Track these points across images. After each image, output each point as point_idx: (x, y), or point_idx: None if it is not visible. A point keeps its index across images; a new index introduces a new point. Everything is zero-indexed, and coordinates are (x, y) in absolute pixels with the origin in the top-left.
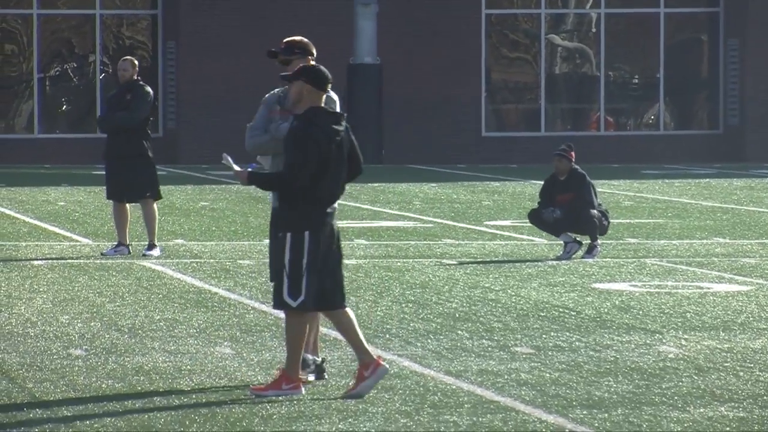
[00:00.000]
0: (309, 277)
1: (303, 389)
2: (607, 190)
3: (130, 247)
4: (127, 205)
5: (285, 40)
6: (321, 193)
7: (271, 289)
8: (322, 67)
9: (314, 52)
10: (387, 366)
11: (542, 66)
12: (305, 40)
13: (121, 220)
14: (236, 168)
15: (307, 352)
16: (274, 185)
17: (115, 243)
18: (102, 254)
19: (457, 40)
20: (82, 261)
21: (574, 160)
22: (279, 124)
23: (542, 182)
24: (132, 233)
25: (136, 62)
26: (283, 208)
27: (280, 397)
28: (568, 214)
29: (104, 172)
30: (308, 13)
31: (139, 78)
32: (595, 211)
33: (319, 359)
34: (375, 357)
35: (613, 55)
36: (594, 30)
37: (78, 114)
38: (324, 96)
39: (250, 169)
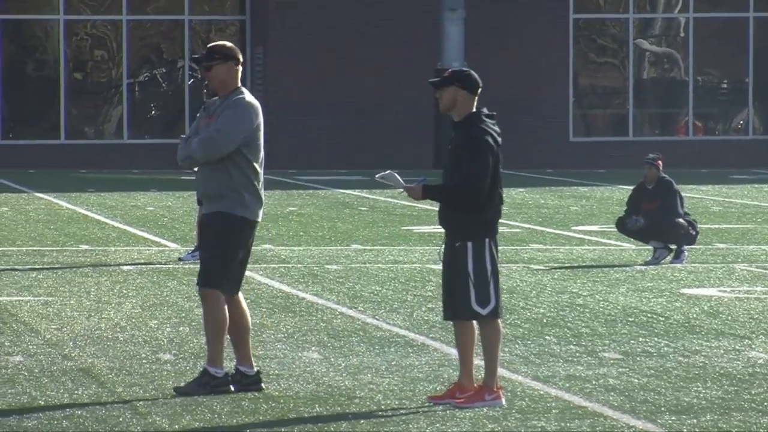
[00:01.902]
0: (495, 283)
1: (503, 399)
2: (696, 195)
3: None
4: None
5: (208, 45)
6: (496, 198)
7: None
8: (473, 72)
9: (239, 57)
10: (504, 401)
11: (630, 71)
12: (228, 44)
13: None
14: (404, 184)
15: (243, 365)
16: (452, 197)
17: (192, 248)
18: (179, 259)
19: (545, 44)
20: (170, 266)
21: (662, 168)
22: (194, 139)
23: (630, 187)
24: None
25: None
26: (459, 217)
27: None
28: (652, 223)
29: (194, 177)
30: (395, 18)
31: None
32: (681, 220)
33: (253, 371)
34: (500, 386)
35: (701, 60)
36: (682, 34)
37: (167, 119)
38: (476, 100)
39: (422, 183)
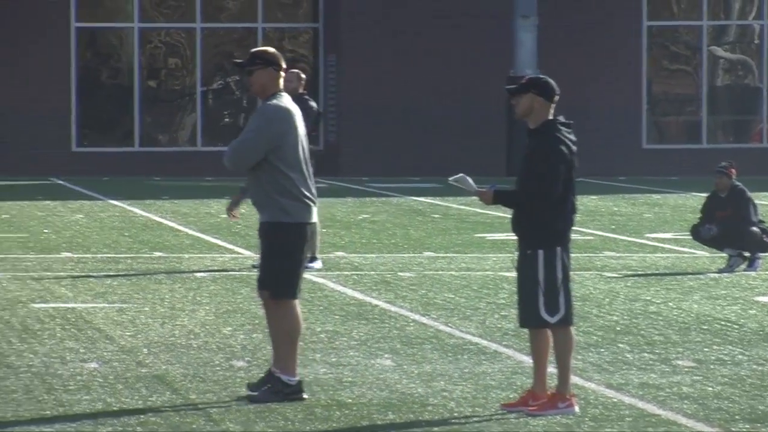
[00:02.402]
0: (565, 291)
1: (576, 407)
2: None
3: None
4: None
5: (251, 51)
6: (568, 207)
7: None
8: (550, 79)
9: (281, 63)
10: (577, 409)
11: (704, 78)
12: (270, 50)
13: None
14: (476, 188)
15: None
16: (521, 203)
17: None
18: (253, 266)
19: (618, 51)
20: (244, 273)
21: (734, 176)
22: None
23: (703, 195)
24: None
25: (303, 75)
26: (531, 225)
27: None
28: (726, 231)
29: None
30: (468, 25)
31: (304, 91)
32: (755, 228)
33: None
34: (573, 394)
35: None
36: (756, 41)
37: (240, 127)
38: (552, 107)
39: (493, 189)
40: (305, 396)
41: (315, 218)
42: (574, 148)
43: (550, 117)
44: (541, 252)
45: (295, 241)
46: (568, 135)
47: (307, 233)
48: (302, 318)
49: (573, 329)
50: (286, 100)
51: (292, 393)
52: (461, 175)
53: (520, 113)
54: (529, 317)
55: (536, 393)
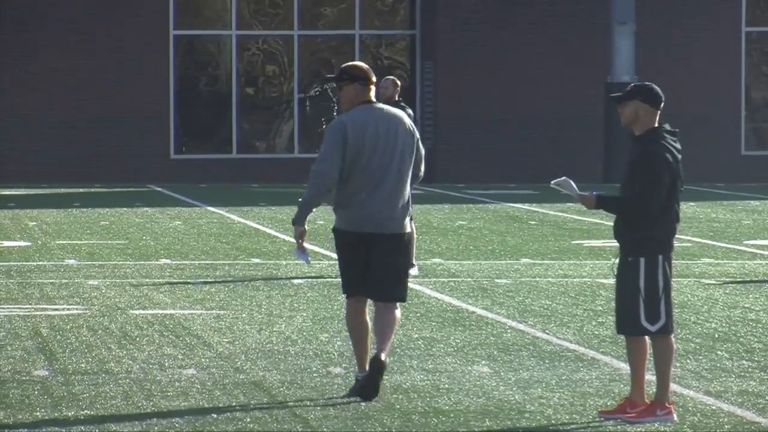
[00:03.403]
0: (666, 300)
1: (675, 415)
2: None
3: None
4: None
5: (343, 66)
6: (671, 215)
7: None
8: (655, 86)
9: (370, 78)
10: (676, 417)
11: None
12: (360, 65)
13: None
14: (579, 192)
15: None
16: (624, 209)
17: None
18: None
19: (716, 57)
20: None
21: None
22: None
23: None
24: None
25: (398, 82)
26: (632, 232)
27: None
28: None
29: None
30: (565, 31)
31: (400, 98)
32: None
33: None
34: (671, 401)
35: None
36: None
37: None
38: (658, 114)
39: (596, 193)
40: (361, 395)
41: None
42: (679, 156)
43: (656, 124)
44: (642, 260)
45: (342, 246)
46: (673, 143)
47: (359, 242)
48: (358, 317)
49: (672, 337)
50: (352, 113)
51: (358, 388)
52: (564, 178)
53: (626, 121)
54: (628, 325)
55: (634, 400)
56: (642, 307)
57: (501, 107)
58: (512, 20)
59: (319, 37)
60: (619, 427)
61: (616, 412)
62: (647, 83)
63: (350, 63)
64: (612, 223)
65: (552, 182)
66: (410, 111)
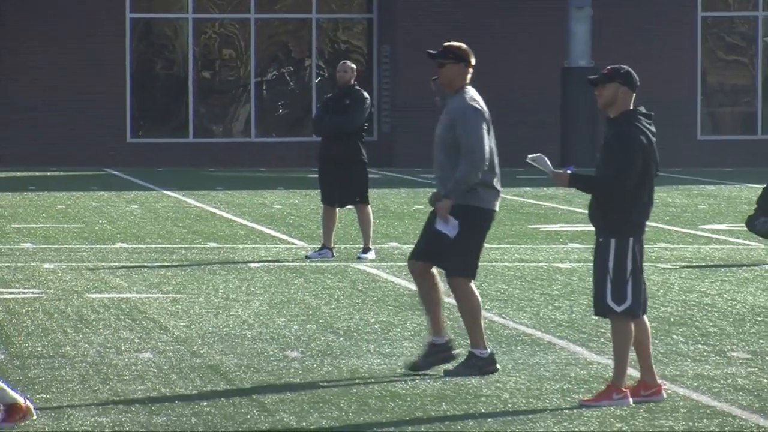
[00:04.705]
0: (633, 282)
1: (631, 399)
2: None
3: (334, 251)
4: (338, 209)
5: (444, 44)
6: (645, 198)
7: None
8: (631, 69)
9: (472, 60)
10: (665, 395)
11: (759, 68)
12: (464, 47)
13: (329, 223)
14: (553, 169)
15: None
16: (597, 189)
17: (319, 246)
18: (306, 257)
19: (673, 43)
20: (297, 264)
21: None
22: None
23: (758, 186)
24: (347, 236)
25: (355, 66)
26: (605, 213)
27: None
28: None
29: (318, 176)
30: (522, 16)
31: (356, 83)
32: None
33: (443, 340)
34: (659, 382)
35: None
36: None
37: (294, 118)
38: (634, 97)
39: (569, 171)
40: (498, 367)
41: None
42: (654, 139)
43: (631, 107)
44: (613, 241)
45: (478, 224)
46: (648, 125)
47: (490, 220)
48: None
49: (646, 322)
50: (473, 93)
51: (485, 365)
52: (539, 154)
53: (604, 103)
54: (597, 304)
55: (646, 382)
56: (609, 287)
57: None
58: (470, 4)
59: (276, 21)
60: (575, 411)
61: (601, 399)
62: (623, 66)
63: (455, 43)
64: (580, 208)
65: (528, 157)
66: (367, 95)
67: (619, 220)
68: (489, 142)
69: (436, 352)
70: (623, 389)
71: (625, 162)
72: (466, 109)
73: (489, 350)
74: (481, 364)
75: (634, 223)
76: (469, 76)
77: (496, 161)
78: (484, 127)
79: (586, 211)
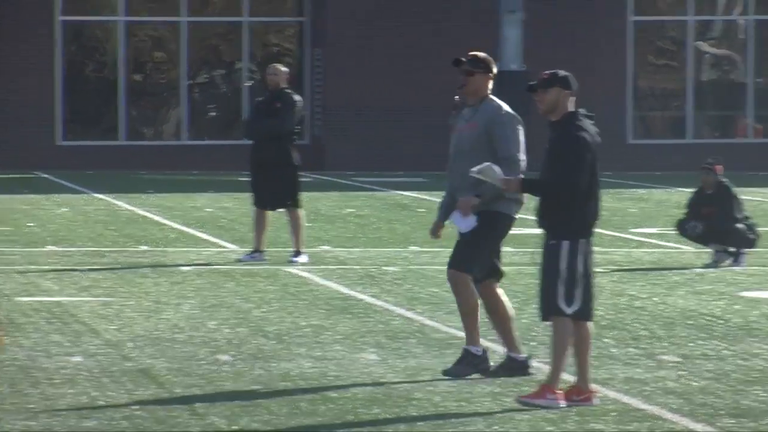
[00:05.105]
0: (584, 285)
1: (564, 401)
2: (755, 198)
3: (265, 254)
4: (269, 212)
5: (471, 53)
6: (594, 199)
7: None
8: (568, 72)
9: (495, 71)
10: (598, 401)
11: (689, 73)
12: (489, 57)
13: (261, 226)
14: (503, 176)
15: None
16: (550, 191)
17: (251, 249)
18: (238, 260)
19: (604, 46)
20: (229, 267)
21: (720, 173)
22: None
23: (689, 190)
24: (279, 240)
25: (286, 69)
26: (556, 215)
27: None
28: (711, 227)
29: (249, 179)
30: (454, 20)
31: (287, 86)
32: (740, 225)
33: (522, 357)
34: (592, 389)
35: (761, 62)
36: (742, 36)
37: (225, 121)
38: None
39: (521, 176)
40: (491, 364)
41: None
42: (598, 139)
43: (572, 109)
44: (565, 243)
45: (496, 229)
46: (591, 126)
47: (509, 226)
48: (507, 302)
49: (589, 327)
50: (499, 101)
51: (480, 362)
52: (488, 164)
53: (546, 108)
54: (546, 307)
55: (580, 388)
56: (560, 289)
57: (390, 95)
58: (402, 8)
59: (208, 24)
60: (506, 414)
61: (537, 397)
62: (560, 71)
63: (481, 53)
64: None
65: (473, 170)
66: (298, 98)
67: (571, 223)
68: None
69: (510, 366)
70: (557, 391)
71: (574, 162)
72: (504, 115)
73: (483, 348)
74: (476, 362)
75: (585, 224)
76: (490, 85)
77: None
78: (521, 131)
79: (518, 215)
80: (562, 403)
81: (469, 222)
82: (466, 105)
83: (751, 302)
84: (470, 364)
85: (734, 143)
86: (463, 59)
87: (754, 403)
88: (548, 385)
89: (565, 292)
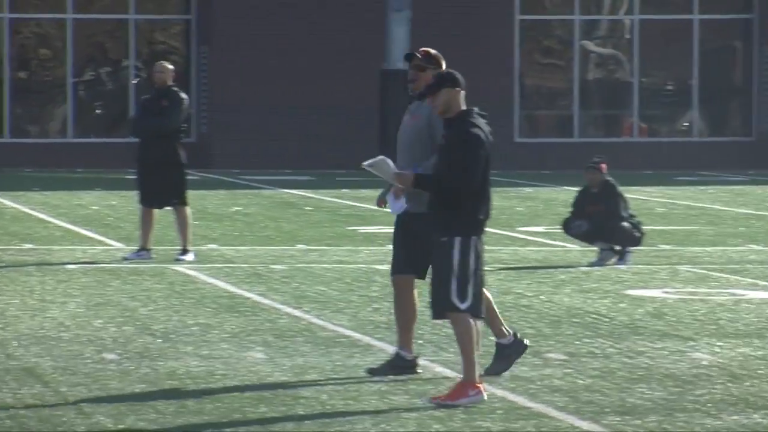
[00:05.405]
0: (474, 282)
1: (485, 394)
2: (640, 197)
3: (152, 252)
4: (156, 210)
5: (423, 49)
6: (486, 196)
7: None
8: (452, 70)
9: (445, 66)
10: (485, 397)
11: (575, 72)
12: (440, 55)
13: (147, 225)
14: (396, 170)
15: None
16: (444, 187)
17: (137, 247)
18: (124, 259)
19: (490, 45)
20: (115, 265)
21: (605, 171)
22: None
23: (575, 189)
24: (165, 238)
25: (172, 67)
26: (446, 212)
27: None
28: (597, 225)
29: (136, 177)
30: (340, 19)
31: (174, 84)
32: (626, 223)
33: (411, 356)
34: (478, 384)
35: (646, 62)
36: (628, 36)
37: (111, 118)
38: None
39: (415, 171)
40: (419, 371)
41: None
42: (491, 138)
43: (464, 107)
44: (457, 240)
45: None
46: (485, 125)
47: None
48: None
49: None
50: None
51: (407, 367)
52: (381, 157)
53: (441, 109)
54: (440, 303)
55: (471, 381)
56: (453, 285)
57: (278, 93)
58: (288, 7)
59: (94, 21)
60: (392, 412)
61: (457, 397)
62: (446, 70)
63: (433, 50)
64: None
65: (365, 163)
66: (184, 96)
67: (464, 219)
68: None
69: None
70: (477, 384)
71: (469, 159)
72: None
73: (414, 355)
74: (403, 365)
75: (477, 221)
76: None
77: None
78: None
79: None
80: (485, 396)
81: (400, 205)
82: (416, 98)
83: (636, 300)
84: (505, 356)
85: (620, 142)
86: (417, 54)
87: (639, 401)
88: (467, 382)
89: (458, 288)
